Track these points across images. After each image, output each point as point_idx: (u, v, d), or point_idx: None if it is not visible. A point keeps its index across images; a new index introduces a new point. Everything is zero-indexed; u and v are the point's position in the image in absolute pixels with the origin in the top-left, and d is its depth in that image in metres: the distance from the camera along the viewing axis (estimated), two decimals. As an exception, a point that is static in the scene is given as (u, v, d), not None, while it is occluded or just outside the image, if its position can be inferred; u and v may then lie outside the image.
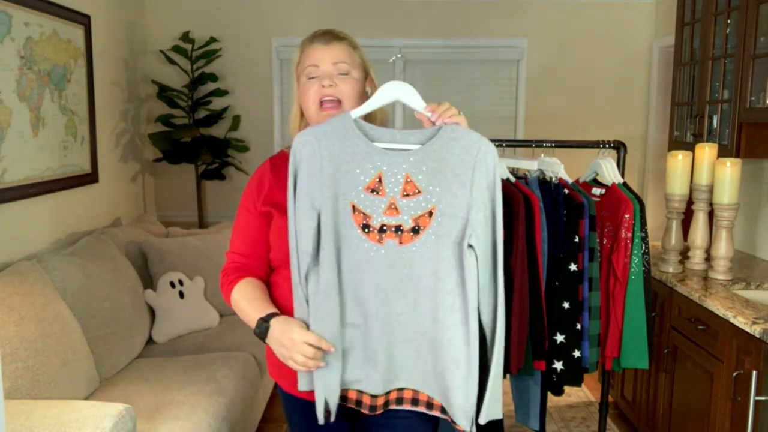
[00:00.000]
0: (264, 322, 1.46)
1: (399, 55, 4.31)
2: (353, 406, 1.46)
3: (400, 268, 1.37)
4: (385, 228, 1.37)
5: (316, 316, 1.39)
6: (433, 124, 1.43)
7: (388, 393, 1.45)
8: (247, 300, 1.54)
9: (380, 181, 1.38)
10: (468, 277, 1.35)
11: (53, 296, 2.37)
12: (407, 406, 1.46)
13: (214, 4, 4.26)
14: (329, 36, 1.58)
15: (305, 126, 1.64)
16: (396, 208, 1.37)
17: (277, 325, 1.43)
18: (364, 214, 1.37)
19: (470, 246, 1.35)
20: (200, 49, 4.08)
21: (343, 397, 1.45)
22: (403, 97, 1.46)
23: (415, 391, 1.45)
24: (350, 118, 1.42)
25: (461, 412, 1.39)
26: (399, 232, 1.37)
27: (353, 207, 1.38)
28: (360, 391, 1.45)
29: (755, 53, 2.60)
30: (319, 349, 1.37)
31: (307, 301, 1.41)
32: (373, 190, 1.38)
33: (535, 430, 2.23)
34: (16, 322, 2.12)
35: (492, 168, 1.38)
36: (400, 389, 1.45)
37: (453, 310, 1.37)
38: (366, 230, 1.38)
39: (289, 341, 1.39)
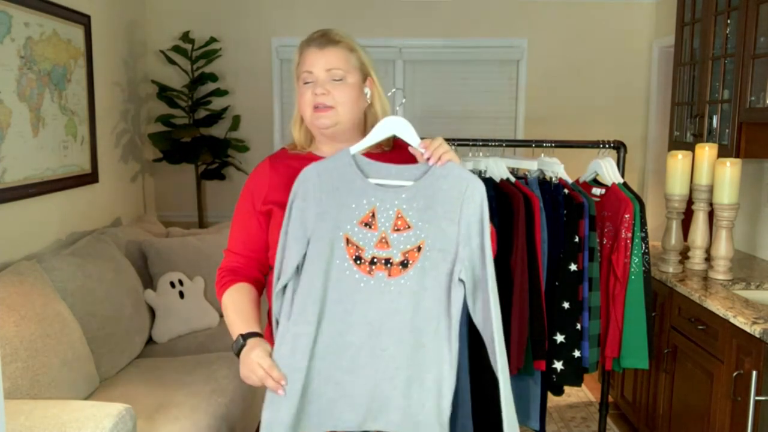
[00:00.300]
0: (242, 339, 1.51)
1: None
2: None
3: (387, 301, 1.41)
4: (375, 260, 1.42)
5: (283, 338, 1.43)
6: (427, 159, 1.48)
7: None
8: (236, 311, 1.57)
9: (373, 216, 1.44)
10: (454, 307, 1.41)
11: (53, 296, 2.37)
12: None
13: (214, 4, 4.26)
14: (324, 40, 1.56)
15: (305, 127, 1.64)
16: (387, 242, 1.43)
17: (249, 344, 1.49)
18: (356, 246, 1.43)
19: (460, 280, 1.41)
20: (200, 49, 4.08)
21: None
22: (399, 132, 1.52)
23: None
24: (349, 154, 1.49)
25: (439, 429, 1.41)
26: (388, 265, 1.42)
27: (347, 239, 1.43)
28: None
29: (755, 53, 2.60)
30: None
31: (277, 321, 1.47)
32: (366, 224, 1.44)
33: (535, 430, 2.23)
34: (16, 322, 2.12)
35: (480, 204, 1.44)
36: None
37: (437, 333, 1.42)
38: (357, 262, 1.43)
39: (248, 359, 1.45)
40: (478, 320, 1.45)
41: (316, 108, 1.55)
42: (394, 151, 1.65)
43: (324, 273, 1.42)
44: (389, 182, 1.47)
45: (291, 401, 1.40)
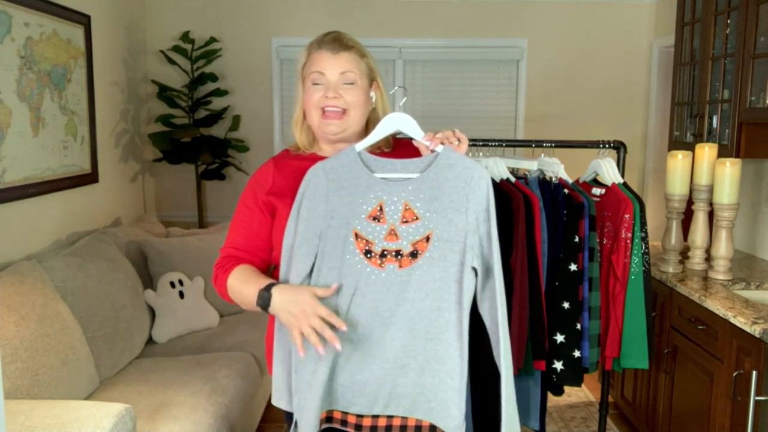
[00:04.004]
0: (265, 292, 1.45)
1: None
2: (338, 425, 1.48)
3: (398, 291, 1.43)
4: (385, 253, 1.44)
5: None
6: (432, 151, 1.50)
7: (376, 417, 1.47)
8: (243, 282, 1.53)
9: (381, 209, 1.46)
10: (465, 296, 1.43)
11: (53, 296, 2.37)
12: None
13: (214, 4, 4.26)
14: (338, 45, 1.57)
15: (306, 128, 1.65)
16: (396, 234, 1.45)
17: (280, 293, 1.43)
18: (366, 240, 1.45)
19: (473, 268, 1.43)
20: (200, 49, 4.08)
21: (329, 418, 1.48)
22: (403, 128, 1.55)
23: (404, 418, 1.47)
24: (354, 151, 1.51)
25: (454, 424, 1.43)
26: (399, 257, 1.44)
27: (356, 234, 1.45)
28: (345, 412, 1.48)
29: (755, 53, 2.60)
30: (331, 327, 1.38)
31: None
32: (374, 218, 1.46)
33: (535, 430, 2.23)
34: (16, 322, 2.12)
35: (485, 193, 1.46)
36: (390, 417, 1.47)
37: (448, 326, 1.43)
38: (368, 255, 1.44)
39: (300, 311, 1.38)
40: (484, 309, 1.47)
41: (324, 114, 1.56)
42: (394, 152, 1.65)
43: (337, 270, 1.44)
44: (395, 176, 1.48)
45: (313, 393, 1.43)
